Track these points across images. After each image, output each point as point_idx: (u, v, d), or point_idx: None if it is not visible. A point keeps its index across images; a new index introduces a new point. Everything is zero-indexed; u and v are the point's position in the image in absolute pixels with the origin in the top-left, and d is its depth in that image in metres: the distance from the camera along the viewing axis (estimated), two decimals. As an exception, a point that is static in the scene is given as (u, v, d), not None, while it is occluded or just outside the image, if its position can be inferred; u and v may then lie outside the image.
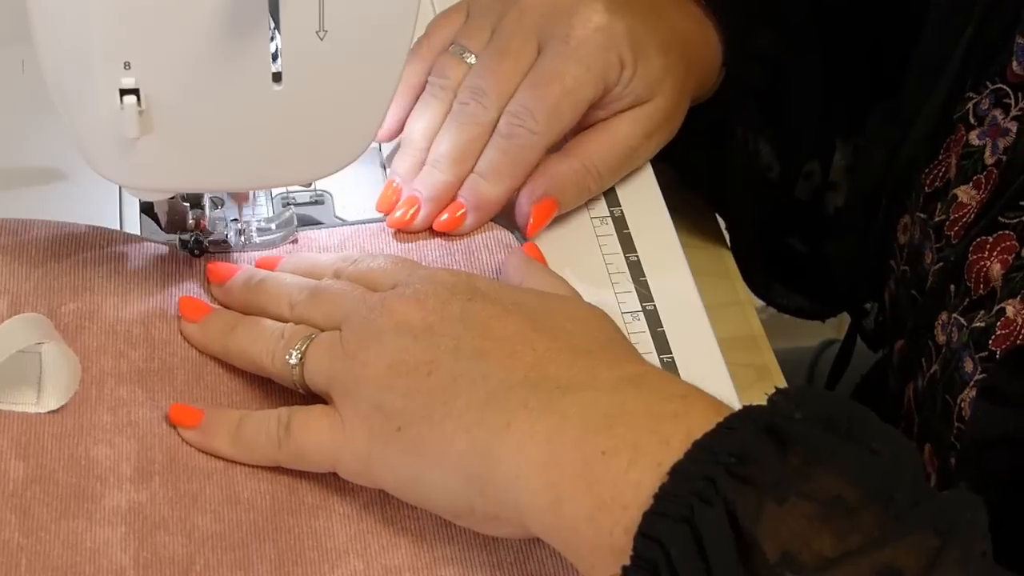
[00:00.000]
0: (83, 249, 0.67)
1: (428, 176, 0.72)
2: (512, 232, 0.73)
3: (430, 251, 0.71)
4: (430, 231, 0.72)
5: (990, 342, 0.67)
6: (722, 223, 0.87)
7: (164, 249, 0.69)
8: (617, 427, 0.51)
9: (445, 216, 0.72)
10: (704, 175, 0.86)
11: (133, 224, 0.72)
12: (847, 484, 0.46)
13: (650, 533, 0.47)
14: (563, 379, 0.55)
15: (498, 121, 0.72)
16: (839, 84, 0.82)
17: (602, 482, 0.50)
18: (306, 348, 0.61)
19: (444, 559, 0.59)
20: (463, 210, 0.71)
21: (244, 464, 0.61)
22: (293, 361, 0.61)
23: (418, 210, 0.71)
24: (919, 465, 0.48)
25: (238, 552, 0.58)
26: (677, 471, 0.48)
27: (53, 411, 0.61)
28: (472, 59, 0.73)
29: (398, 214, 0.72)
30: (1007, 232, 0.67)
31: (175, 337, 0.66)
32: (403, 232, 0.72)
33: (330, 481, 0.61)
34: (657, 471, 0.48)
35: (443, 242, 0.72)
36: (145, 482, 0.59)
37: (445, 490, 0.56)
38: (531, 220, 0.72)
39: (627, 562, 0.48)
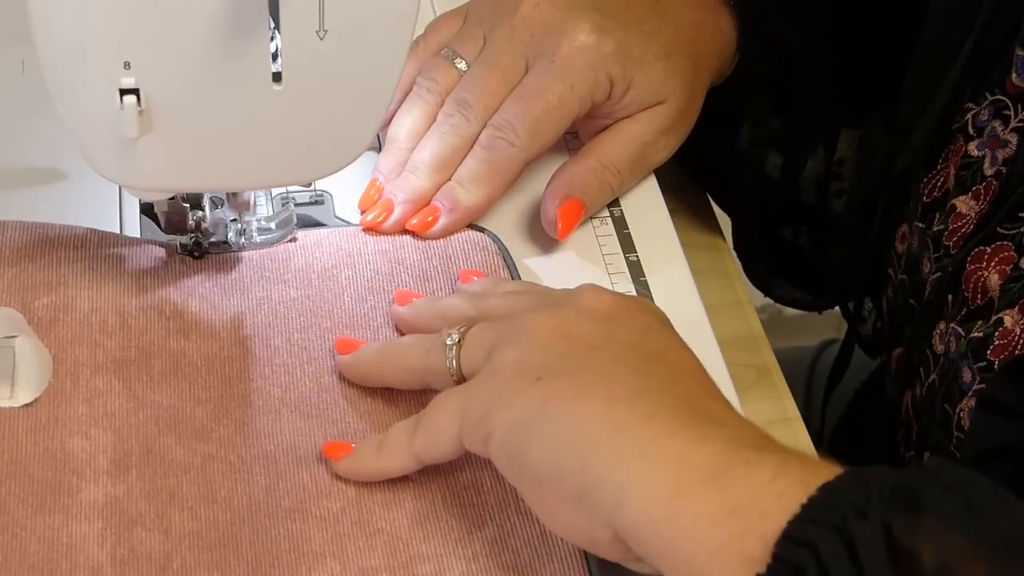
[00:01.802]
0: (58, 249, 0.67)
1: (405, 181, 0.72)
2: (486, 234, 0.73)
3: (408, 254, 0.71)
4: (407, 233, 0.72)
5: (988, 352, 0.67)
6: (722, 223, 0.86)
7: (141, 245, 0.69)
8: (765, 449, 0.50)
9: (415, 220, 0.72)
10: (708, 166, 0.86)
11: (133, 225, 0.72)
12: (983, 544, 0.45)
13: (799, 537, 0.46)
14: (718, 416, 0.54)
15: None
16: (849, 75, 0.82)
17: (740, 487, 0.48)
18: (467, 330, 0.60)
19: (420, 557, 0.59)
20: (435, 215, 0.72)
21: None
22: (451, 341, 0.59)
23: (390, 213, 0.72)
24: None
25: (215, 552, 0.58)
26: (828, 487, 0.47)
27: (27, 404, 0.60)
28: (463, 64, 0.74)
29: (370, 217, 0.72)
30: (1005, 243, 0.67)
31: (152, 326, 0.65)
32: (376, 233, 0.72)
33: (306, 484, 0.61)
34: (803, 486, 0.47)
35: (420, 245, 0.72)
36: (122, 475, 0.59)
37: (548, 446, 0.53)
38: (559, 224, 0.72)
39: (761, 570, 0.46)
